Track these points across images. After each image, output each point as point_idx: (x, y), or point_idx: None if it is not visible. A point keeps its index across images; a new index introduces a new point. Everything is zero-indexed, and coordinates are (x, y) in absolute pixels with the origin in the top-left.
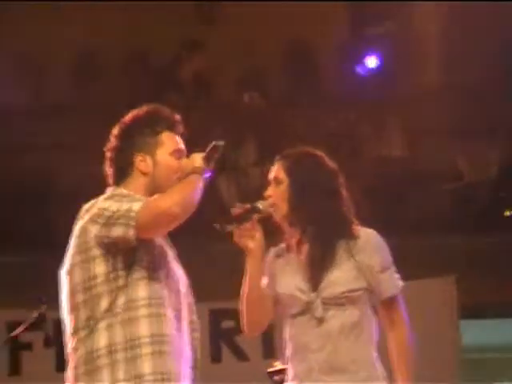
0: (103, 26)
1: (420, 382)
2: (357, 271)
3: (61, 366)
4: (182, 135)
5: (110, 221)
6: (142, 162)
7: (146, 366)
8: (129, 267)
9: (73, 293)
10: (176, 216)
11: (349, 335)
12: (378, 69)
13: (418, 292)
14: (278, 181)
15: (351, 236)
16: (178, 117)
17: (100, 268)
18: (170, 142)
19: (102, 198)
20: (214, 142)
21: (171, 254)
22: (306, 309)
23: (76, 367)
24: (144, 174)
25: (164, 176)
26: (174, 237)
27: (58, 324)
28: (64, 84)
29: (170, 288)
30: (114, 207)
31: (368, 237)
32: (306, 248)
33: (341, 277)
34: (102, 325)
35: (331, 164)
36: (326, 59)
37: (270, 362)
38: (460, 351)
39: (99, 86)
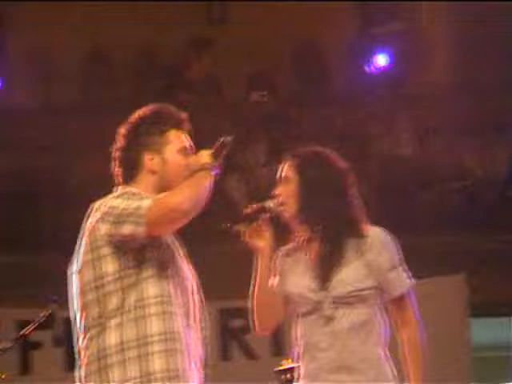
0: (112, 25)
1: (430, 380)
2: (366, 270)
3: (71, 364)
4: (189, 133)
5: (119, 219)
6: (150, 160)
7: (157, 364)
8: (139, 265)
9: (83, 291)
10: (185, 212)
11: (358, 334)
12: (387, 67)
13: (429, 290)
14: (287, 179)
15: (360, 235)
16: (184, 115)
17: (110, 266)
18: (178, 139)
19: (111, 196)
20: (222, 138)
21: (180, 253)
22: (316, 308)
23: (87, 365)
24: (152, 172)
25: (172, 174)
26: (183, 236)
27: (67, 323)
28: (73, 84)
29: (180, 286)
30: (123, 205)
31: (377, 235)
32: (315, 247)
33: (350, 276)
34: (113, 323)
35: (341, 163)
36: (335, 58)
37: (279, 360)
38: (470, 349)
39: (109, 85)
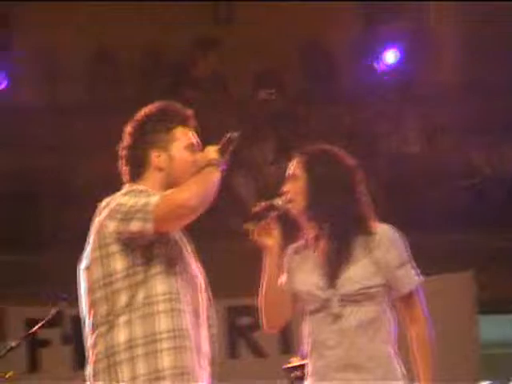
0: (118, 24)
1: (439, 378)
2: (374, 267)
3: (79, 362)
4: (195, 130)
5: (127, 216)
6: (156, 157)
7: (166, 361)
8: (147, 262)
9: (92, 289)
10: (193, 208)
11: (366, 332)
12: (396, 65)
13: (437, 287)
14: (295, 177)
15: (368, 232)
16: (190, 112)
17: (119, 263)
18: (184, 136)
19: (119, 194)
20: (228, 134)
21: (188, 250)
22: (324, 305)
23: (96, 363)
24: (159, 169)
25: (179, 171)
26: (191, 232)
27: (75, 321)
28: (80, 83)
29: (188, 283)
30: (131, 202)
31: (385, 233)
32: (323, 244)
33: (358, 273)
34: (122, 320)
35: (349, 160)
36: (342, 56)
37: (287, 358)
38: (479, 346)
39: (115, 85)
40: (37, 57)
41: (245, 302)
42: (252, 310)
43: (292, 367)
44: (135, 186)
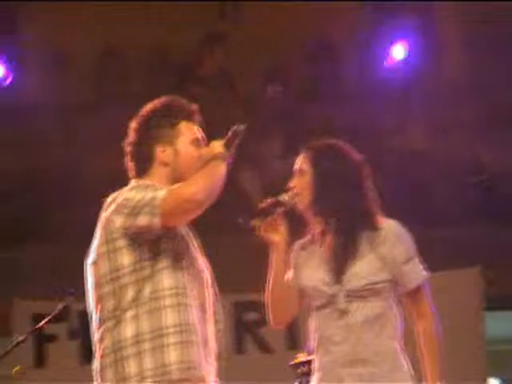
0: (125, 23)
1: (446, 373)
2: (380, 263)
3: (85, 357)
4: (200, 125)
5: (134, 210)
6: (162, 152)
7: (172, 355)
8: (154, 257)
9: (99, 284)
10: (200, 202)
11: (372, 327)
12: (403, 62)
13: (444, 284)
14: (301, 172)
15: (374, 228)
16: (195, 107)
17: (126, 258)
18: (189, 131)
19: (125, 189)
20: (234, 127)
21: (195, 244)
22: (330, 301)
23: (102, 357)
24: (165, 164)
25: (185, 165)
26: (197, 227)
27: (82, 315)
28: (87, 81)
29: (194, 278)
30: (138, 197)
31: (391, 228)
32: (329, 239)
33: (364, 269)
34: (129, 315)
35: (356, 156)
36: (350, 51)
37: (294, 353)
38: (485, 343)
39: (122, 82)
40: (44, 54)
41: (251, 298)
42: (258, 306)
43: (299, 363)
44: (141, 182)
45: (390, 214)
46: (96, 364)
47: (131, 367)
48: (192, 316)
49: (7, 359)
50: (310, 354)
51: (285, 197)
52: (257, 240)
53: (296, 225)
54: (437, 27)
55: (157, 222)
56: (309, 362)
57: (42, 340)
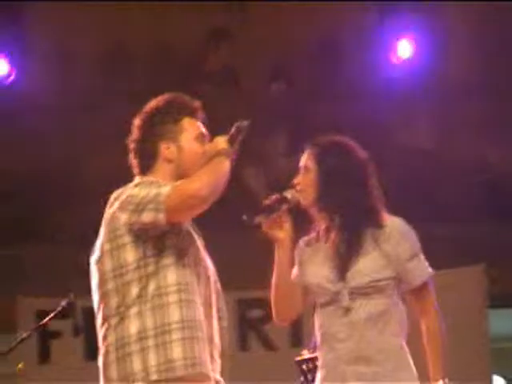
0: (131, 18)
1: (450, 371)
2: (384, 260)
3: (89, 354)
4: (203, 122)
5: (139, 207)
6: (166, 149)
7: (176, 352)
8: (158, 254)
9: (103, 281)
10: (204, 198)
11: (376, 325)
12: (409, 60)
13: (448, 281)
14: (306, 169)
15: (378, 225)
16: (197, 103)
17: (130, 255)
18: (192, 127)
19: (129, 186)
20: (237, 123)
21: (199, 242)
22: (334, 298)
23: (107, 354)
24: (169, 161)
25: (189, 161)
26: (201, 224)
27: (86, 312)
28: (92, 74)
29: (199, 275)
30: (142, 193)
31: (395, 225)
32: (333, 236)
33: (367, 266)
34: (133, 312)
35: (361, 153)
36: (355, 49)
37: (297, 351)
38: (489, 340)
39: (126, 77)
40: (48, 52)
41: (255, 295)
42: (262, 303)
43: (303, 360)
44: (145, 178)
45: (394, 212)
46: (101, 360)
47: (135, 364)
48: (197, 312)
49: (12, 356)
50: (314, 351)
51: (289, 194)
52: (261, 237)
53: (301, 222)
54: (444, 25)
55: (161, 218)
56: (313, 359)
57: (47, 337)
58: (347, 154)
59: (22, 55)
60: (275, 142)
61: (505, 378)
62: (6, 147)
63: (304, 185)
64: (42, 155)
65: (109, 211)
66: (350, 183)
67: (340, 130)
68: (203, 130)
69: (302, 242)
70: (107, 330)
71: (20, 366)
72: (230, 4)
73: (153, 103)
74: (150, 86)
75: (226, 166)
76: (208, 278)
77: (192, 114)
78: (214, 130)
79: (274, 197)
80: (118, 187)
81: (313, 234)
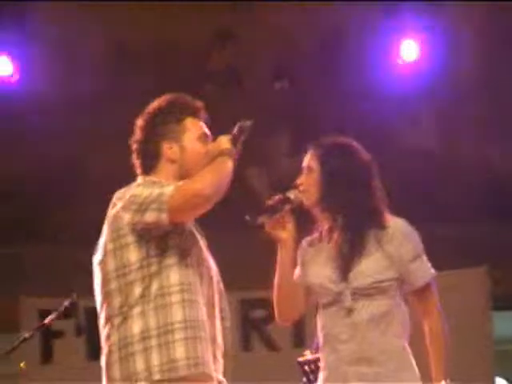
0: (135, 17)
1: (453, 373)
2: (387, 261)
3: (92, 354)
4: (205, 122)
5: (142, 207)
6: (168, 149)
7: (179, 352)
8: (161, 254)
9: (106, 280)
10: (207, 198)
11: (378, 326)
12: (414, 60)
13: (451, 283)
14: (310, 169)
15: (381, 226)
16: (200, 103)
17: (133, 255)
18: (195, 127)
19: (132, 186)
20: (240, 123)
21: (202, 242)
22: (336, 299)
23: (109, 354)
24: (172, 161)
25: (192, 161)
26: (204, 224)
27: (89, 312)
28: (96, 74)
29: (202, 275)
30: (145, 193)
31: (398, 226)
32: (336, 236)
33: (370, 267)
34: (136, 311)
35: (364, 154)
36: (359, 49)
37: (300, 351)
38: (492, 342)
39: (130, 77)
40: (53, 51)
41: (258, 295)
42: (265, 303)
43: (305, 361)
44: (148, 178)
45: (397, 212)
46: (103, 360)
47: (138, 363)
48: (200, 312)
49: (14, 355)
50: (316, 351)
51: (292, 194)
52: (264, 237)
53: (303, 222)
54: (448, 25)
55: (164, 217)
56: (315, 361)
57: (49, 336)
58: (350, 155)
59: (26, 55)
60: (278, 142)
61: (507, 379)
62: (7, 146)
63: (307, 185)
64: (42, 155)
65: (112, 211)
66: (353, 184)
67: (343, 130)
68: (206, 130)
69: (304, 243)
70: (110, 329)
71: (22, 365)
72: (235, 4)
73: (155, 103)
74: (154, 87)
75: (229, 165)
76: (211, 278)
77: (194, 113)
78: (218, 129)
79: (276, 197)
80: (119, 187)
81: (315, 235)
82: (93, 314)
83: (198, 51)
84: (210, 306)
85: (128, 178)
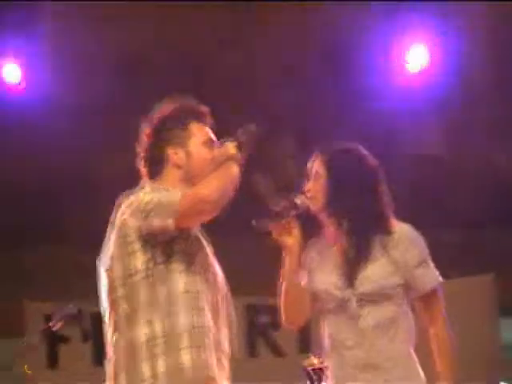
0: (140, 24)
1: (460, 380)
2: (392, 267)
3: (98, 359)
4: (211, 127)
5: (149, 213)
6: (174, 155)
7: (185, 359)
8: (168, 260)
9: (113, 288)
10: (214, 203)
11: (384, 332)
12: (420, 65)
13: (457, 290)
14: (316, 175)
15: (387, 231)
16: (205, 108)
17: (139, 261)
18: (200, 132)
19: (138, 191)
20: (244, 128)
21: (208, 248)
22: (341, 305)
23: (116, 361)
24: (178, 166)
25: (198, 167)
26: (209, 229)
27: (95, 318)
28: (106, 83)
29: (208, 281)
30: (152, 199)
31: (403, 232)
32: (342, 241)
33: (375, 272)
34: (142, 318)
35: (371, 160)
36: (366, 51)
37: (305, 357)
38: (498, 350)
39: (136, 84)
40: (62, 56)
41: (264, 301)
42: (271, 309)
43: (312, 368)
44: (154, 184)
45: (403, 219)
46: (109, 367)
47: (144, 370)
48: (206, 319)
49: (20, 360)
50: (321, 357)
51: (299, 199)
52: (270, 243)
53: (310, 228)
54: (457, 31)
55: (171, 223)
56: (322, 369)
57: (55, 341)
58: (357, 161)
59: (34, 63)
60: (284, 146)
61: None
62: (13, 152)
63: (314, 191)
64: (47, 160)
65: (118, 217)
66: (359, 189)
67: (349, 135)
68: (211, 135)
69: (310, 248)
70: (116, 336)
71: (25, 368)
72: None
73: (159, 110)
74: (163, 93)
75: (235, 171)
76: (217, 283)
77: (199, 118)
78: (223, 134)
79: (283, 203)
80: (123, 190)
81: (322, 239)
82: (99, 320)
83: (203, 58)
84: (216, 311)
85: (133, 183)
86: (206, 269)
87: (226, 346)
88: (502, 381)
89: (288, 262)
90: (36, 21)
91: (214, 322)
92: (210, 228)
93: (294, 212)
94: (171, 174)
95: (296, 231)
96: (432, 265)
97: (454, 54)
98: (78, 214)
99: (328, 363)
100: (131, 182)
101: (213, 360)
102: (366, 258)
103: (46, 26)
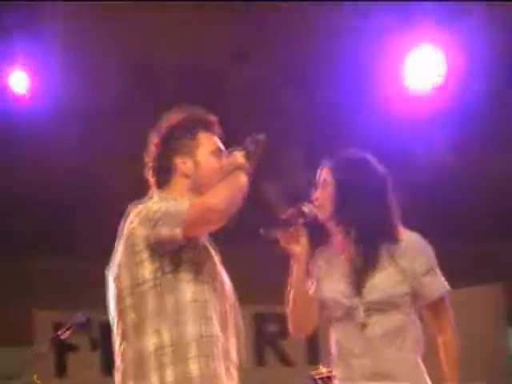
0: (152, 37)
1: None
2: (400, 276)
3: (106, 368)
4: (219, 136)
5: (157, 222)
6: (182, 164)
7: (194, 368)
8: (176, 269)
9: (121, 298)
10: (222, 213)
11: (392, 341)
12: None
13: (465, 300)
14: (325, 183)
15: (394, 240)
16: (213, 117)
17: (147, 271)
18: (208, 141)
19: (147, 200)
20: (252, 137)
21: (216, 257)
22: (349, 314)
23: (124, 370)
24: (186, 176)
25: (206, 176)
26: (218, 240)
27: (104, 327)
28: (113, 91)
29: (216, 290)
30: (160, 208)
31: (411, 240)
32: (350, 250)
33: (383, 281)
34: (150, 328)
35: (379, 168)
36: (373, 59)
37: (314, 367)
38: (508, 359)
39: (148, 95)
40: (70, 65)
41: (272, 309)
42: (279, 318)
43: (319, 377)
44: (162, 193)
45: (410, 227)
46: (117, 376)
47: (153, 380)
48: (214, 328)
49: (28, 368)
50: (330, 366)
51: (306, 208)
52: (278, 251)
53: (317, 236)
54: (467, 39)
55: (179, 232)
56: (330, 378)
57: (64, 350)
58: (365, 169)
59: (42, 72)
60: (292, 154)
61: None
62: (22, 161)
63: (322, 199)
64: (56, 169)
65: (126, 226)
66: (367, 197)
67: (358, 143)
68: (220, 144)
69: (318, 257)
70: (125, 345)
71: (34, 377)
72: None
73: (168, 119)
74: (175, 102)
75: (243, 181)
76: (225, 292)
77: (207, 127)
78: (231, 143)
79: (290, 211)
80: (132, 200)
81: (330, 248)
82: (108, 328)
83: (214, 71)
84: (224, 321)
85: (143, 194)
86: (214, 278)
87: (234, 355)
88: None
89: (296, 270)
90: (44, 31)
91: (223, 331)
92: (218, 237)
93: (301, 220)
94: (179, 183)
95: (304, 240)
96: (440, 273)
97: (465, 62)
98: (87, 225)
99: (335, 372)
100: (141, 192)
101: (221, 369)
102: (373, 267)
103: (54, 36)
